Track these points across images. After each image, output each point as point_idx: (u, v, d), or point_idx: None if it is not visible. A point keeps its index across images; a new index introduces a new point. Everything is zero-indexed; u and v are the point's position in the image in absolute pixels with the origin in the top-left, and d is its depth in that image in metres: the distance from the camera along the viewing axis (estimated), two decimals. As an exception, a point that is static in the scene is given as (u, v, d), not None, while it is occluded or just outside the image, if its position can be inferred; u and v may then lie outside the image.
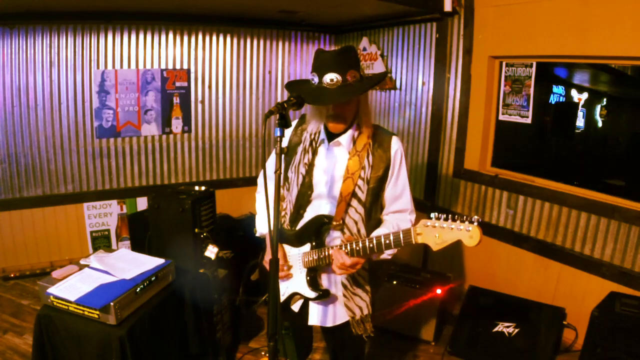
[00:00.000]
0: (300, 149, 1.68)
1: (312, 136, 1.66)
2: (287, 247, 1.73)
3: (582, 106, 4.88)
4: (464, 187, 3.48)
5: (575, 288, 2.81)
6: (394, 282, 2.92)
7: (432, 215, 1.33)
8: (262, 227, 1.79)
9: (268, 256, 1.73)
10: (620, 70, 4.33)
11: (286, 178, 1.71)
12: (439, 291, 2.83)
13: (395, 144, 1.63)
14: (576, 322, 2.68)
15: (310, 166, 1.65)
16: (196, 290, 2.32)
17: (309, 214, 1.67)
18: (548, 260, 2.96)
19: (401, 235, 1.40)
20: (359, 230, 1.59)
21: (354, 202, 1.59)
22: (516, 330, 2.64)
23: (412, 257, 3.91)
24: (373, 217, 1.65)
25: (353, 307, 1.66)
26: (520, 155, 3.91)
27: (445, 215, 1.32)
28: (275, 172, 1.31)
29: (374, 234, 1.55)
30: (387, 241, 1.43)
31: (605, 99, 4.98)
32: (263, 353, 2.78)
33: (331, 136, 1.64)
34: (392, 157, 1.61)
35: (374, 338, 3.10)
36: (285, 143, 1.73)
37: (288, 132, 1.75)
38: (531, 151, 4.30)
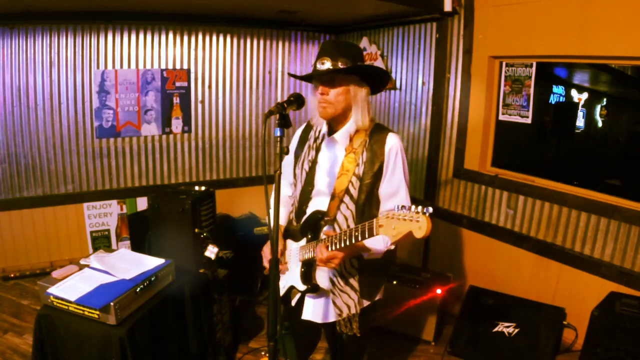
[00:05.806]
0: (306, 147, 1.77)
1: (316, 134, 1.74)
2: (289, 242, 1.80)
3: (582, 106, 4.88)
4: (464, 187, 3.47)
5: (575, 288, 2.81)
6: (394, 282, 2.92)
7: (396, 205, 1.25)
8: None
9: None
10: (620, 70, 4.33)
11: (295, 175, 1.79)
12: (439, 291, 2.83)
13: (391, 140, 1.61)
14: (576, 322, 2.68)
15: (312, 163, 1.71)
16: (196, 290, 2.32)
17: (310, 210, 1.71)
18: (548, 260, 2.96)
19: (366, 227, 1.35)
20: (348, 227, 1.57)
21: (346, 199, 1.60)
22: (516, 330, 2.64)
23: (412, 257, 3.91)
24: (366, 214, 1.61)
25: (341, 304, 1.64)
26: (520, 155, 3.91)
27: (408, 206, 1.22)
28: (275, 171, 1.31)
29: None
30: (357, 233, 1.39)
31: (605, 99, 4.98)
32: (263, 353, 2.78)
33: (332, 133, 1.69)
34: (386, 153, 1.60)
35: (374, 338, 3.09)
36: (295, 143, 1.85)
37: (298, 132, 1.87)
38: (531, 151, 4.30)
